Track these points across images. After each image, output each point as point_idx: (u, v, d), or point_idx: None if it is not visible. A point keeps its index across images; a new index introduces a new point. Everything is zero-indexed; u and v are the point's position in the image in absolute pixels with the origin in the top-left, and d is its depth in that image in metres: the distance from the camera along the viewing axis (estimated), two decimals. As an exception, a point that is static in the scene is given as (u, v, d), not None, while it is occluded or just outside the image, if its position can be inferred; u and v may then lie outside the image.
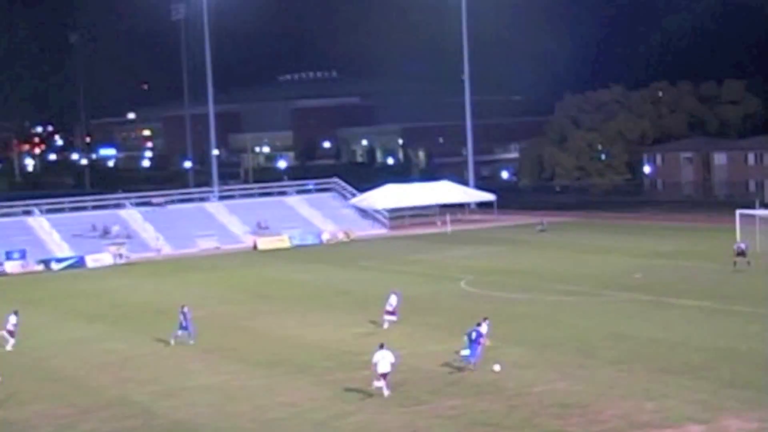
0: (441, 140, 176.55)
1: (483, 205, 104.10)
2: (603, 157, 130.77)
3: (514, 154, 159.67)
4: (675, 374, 34.30)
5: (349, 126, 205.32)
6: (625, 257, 66.35)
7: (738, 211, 66.80)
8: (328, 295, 56.20)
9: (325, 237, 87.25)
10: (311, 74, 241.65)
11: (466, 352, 36.14)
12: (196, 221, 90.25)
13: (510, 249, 74.20)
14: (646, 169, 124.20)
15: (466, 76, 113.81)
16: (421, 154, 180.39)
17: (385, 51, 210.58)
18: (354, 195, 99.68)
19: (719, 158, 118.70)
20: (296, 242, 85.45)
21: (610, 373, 34.81)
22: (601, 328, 42.94)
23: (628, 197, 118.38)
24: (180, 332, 43.53)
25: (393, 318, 45.16)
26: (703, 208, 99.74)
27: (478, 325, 36.91)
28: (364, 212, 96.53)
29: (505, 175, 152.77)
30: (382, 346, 33.91)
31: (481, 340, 36.13)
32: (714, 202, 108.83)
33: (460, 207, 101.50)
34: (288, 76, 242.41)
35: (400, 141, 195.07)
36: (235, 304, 53.88)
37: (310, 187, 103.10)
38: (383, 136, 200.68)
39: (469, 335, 36.22)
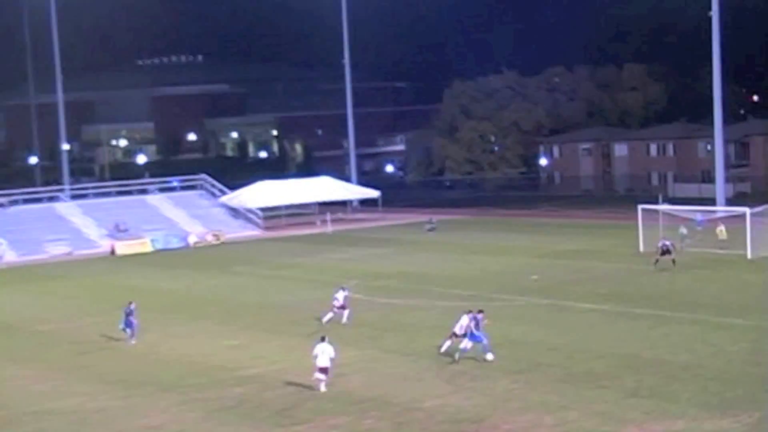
0: (319, 132, 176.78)
1: (367, 203, 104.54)
2: (496, 149, 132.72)
3: (400, 147, 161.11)
4: (575, 384, 34.83)
5: (218, 116, 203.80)
6: (522, 257, 67.32)
7: (640, 207, 68.14)
8: (196, 304, 55.68)
9: (192, 240, 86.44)
10: (174, 58, 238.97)
11: (467, 344, 38.27)
12: (44, 224, 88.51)
13: (397, 250, 74.62)
14: (543, 161, 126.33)
15: (346, 61, 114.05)
16: (298, 147, 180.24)
17: (257, 33, 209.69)
18: (224, 193, 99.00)
19: (620, 149, 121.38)
20: (159, 246, 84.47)
21: (507, 385, 35.21)
22: (497, 335, 43.03)
23: (524, 192, 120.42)
24: (123, 328, 45.12)
25: (345, 312, 46.93)
26: (604, 204, 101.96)
27: (480, 312, 39.45)
28: (235, 212, 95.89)
29: (390, 169, 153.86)
30: (323, 339, 35.29)
31: (482, 324, 38.92)
32: (615, 196, 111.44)
33: (342, 205, 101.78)
34: (147, 61, 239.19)
35: (275, 132, 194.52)
36: (90, 317, 52.90)
37: (175, 184, 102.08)
38: (256, 128, 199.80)
39: (471, 323, 39.00)
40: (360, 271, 64.72)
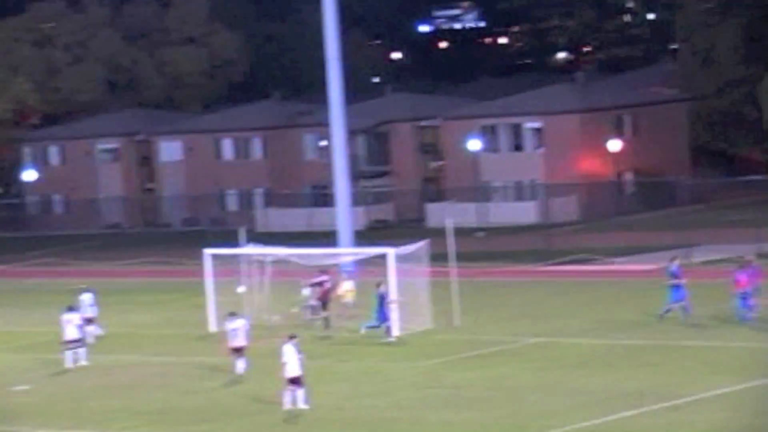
0: None
1: None
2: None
3: None
4: None
5: None
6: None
7: (207, 252, 67.92)
8: None
9: None
10: None
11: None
12: None
13: None
14: (30, 175, 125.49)
15: None
16: None
17: None
18: None
19: (169, 149, 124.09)
20: None
21: None
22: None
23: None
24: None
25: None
26: (145, 247, 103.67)
27: (672, 260, 61.15)
28: None
29: None
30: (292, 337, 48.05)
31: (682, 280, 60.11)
32: (164, 234, 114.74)
33: None
34: None
35: None
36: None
37: None
38: None
39: (673, 274, 59.26)
40: None
